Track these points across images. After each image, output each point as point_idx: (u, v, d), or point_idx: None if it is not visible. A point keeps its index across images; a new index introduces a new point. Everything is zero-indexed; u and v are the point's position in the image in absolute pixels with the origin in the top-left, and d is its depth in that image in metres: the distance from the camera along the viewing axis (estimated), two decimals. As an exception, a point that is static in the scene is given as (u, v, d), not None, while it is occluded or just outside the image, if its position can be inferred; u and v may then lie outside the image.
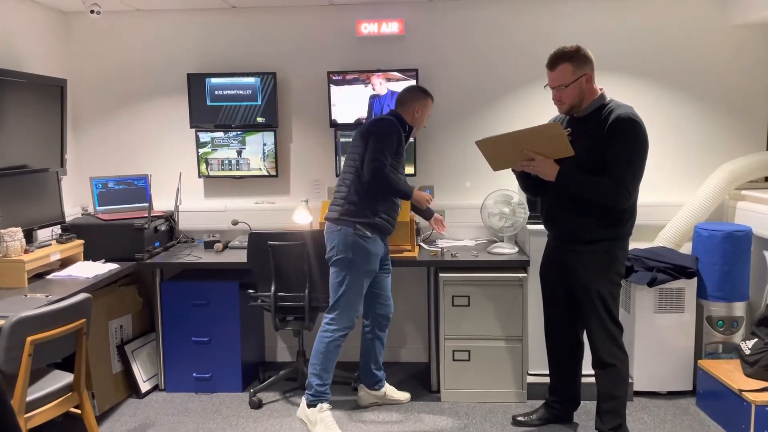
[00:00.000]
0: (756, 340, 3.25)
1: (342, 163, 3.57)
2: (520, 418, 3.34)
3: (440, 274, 3.58)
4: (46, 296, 2.94)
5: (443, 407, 3.57)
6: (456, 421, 3.41)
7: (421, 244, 3.97)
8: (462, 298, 3.56)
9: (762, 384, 3.11)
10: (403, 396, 3.65)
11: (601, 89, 2.86)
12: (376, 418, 3.46)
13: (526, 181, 3.05)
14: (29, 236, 3.45)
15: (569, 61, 2.78)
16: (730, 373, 3.27)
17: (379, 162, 3.10)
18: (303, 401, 3.26)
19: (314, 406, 3.21)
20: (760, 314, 3.38)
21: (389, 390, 3.62)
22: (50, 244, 3.47)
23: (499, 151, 2.88)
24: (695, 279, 3.55)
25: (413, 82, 3.97)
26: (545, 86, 2.89)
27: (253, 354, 4.07)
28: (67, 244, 3.50)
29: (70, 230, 3.63)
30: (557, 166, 2.80)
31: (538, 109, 3.81)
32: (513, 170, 3.04)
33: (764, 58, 3.95)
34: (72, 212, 4.03)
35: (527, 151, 2.81)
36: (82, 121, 4.30)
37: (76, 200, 4.22)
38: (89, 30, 4.22)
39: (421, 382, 3.88)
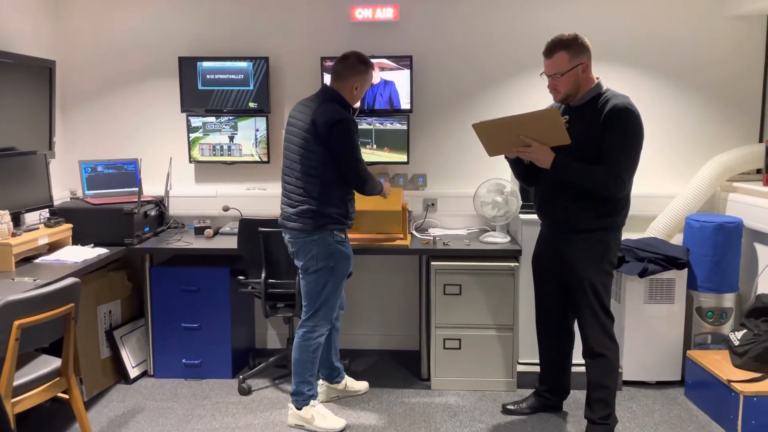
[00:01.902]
0: (745, 331, 3.27)
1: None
2: (510, 407, 3.35)
3: (432, 263, 3.57)
4: (34, 280, 2.90)
5: (433, 395, 3.57)
6: (446, 409, 3.41)
7: (414, 232, 3.96)
8: (453, 287, 3.55)
9: (750, 375, 3.13)
10: (362, 386, 3.61)
11: (597, 78, 2.84)
12: (365, 405, 3.46)
13: (520, 169, 3.04)
14: (17, 219, 3.41)
15: (566, 50, 2.76)
16: (719, 364, 3.29)
17: (365, 172, 3.02)
18: (291, 408, 3.19)
19: (306, 405, 3.16)
20: (749, 305, 3.40)
21: (349, 382, 3.56)
22: (38, 228, 3.42)
23: (495, 135, 2.86)
24: (686, 270, 3.56)
25: (407, 72, 3.94)
26: (541, 74, 2.87)
27: (243, 340, 4.06)
28: (55, 228, 3.46)
29: (59, 214, 3.59)
30: (553, 154, 2.78)
31: (533, 98, 3.77)
32: (506, 158, 3.03)
33: (759, 50, 3.95)
34: (60, 196, 3.98)
35: (524, 137, 2.79)
36: (72, 103, 4.24)
37: (65, 184, 4.17)
38: (79, 11, 4.15)
39: (412, 370, 3.88)
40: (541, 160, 2.81)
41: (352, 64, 3.04)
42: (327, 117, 2.94)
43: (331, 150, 2.95)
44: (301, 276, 3.14)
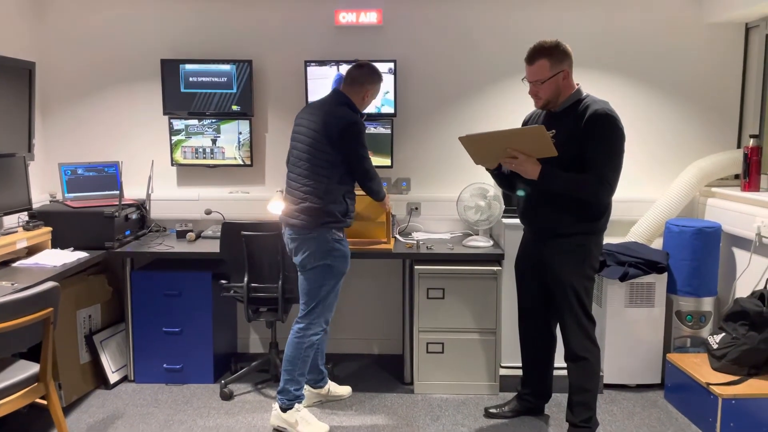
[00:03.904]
0: (723, 334, 3.31)
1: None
2: (493, 410, 3.36)
3: (415, 267, 3.57)
4: (12, 284, 2.86)
5: (416, 399, 3.57)
6: (429, 413, 3.41)
7: (397, 236, 3.96)
8: (437, 291, 3.56)
9: (729, 378, 3.17)
10: (345, 390, 3.61)
11: (577, 84, 2.87)
12: (348, 410, 3.45)
13: (502, 179, 3.07)
14: (-6, 223, 3.36)
15: (547, 57, 2.78)
16: (698, 367, 3.33)
17: (373, 171, 3.13)
18: (275, 408, 3.17)
19: (290, 408, 3.15)
20: (727, 309, 3.44)
21: (332, 386, 3.56)
22: (17, 231, 3.38)
23: (481, 147, 2.88)
24: (665, 274, 3.60)
25: (390, 76, 3.94)
26: (522, 79, 2.89)
27: (225, 345, 4.03)
28: (34, 231, 3.42)
29: (38, 217, 3.55)
30: (539, 165, 2.79)
31: (516, 102, 3.81)
32: (487, 170, 3.05)
33: (737, 57, 4.01)
34: (40, 199, 3.93)
35: (510, 150, 2.80)
36: (52, 105, 4.19)
37: (44, 187, 4.12)
38: (60, 11, 4.10)
39: (395, 374, 3.88)
40: (528, 171, 2.81)
41: (368, 73, 3.16)
42: (339, 119, 3.04)
43: (341, 151, 3.03)
44: (299, 273, 3.15)
